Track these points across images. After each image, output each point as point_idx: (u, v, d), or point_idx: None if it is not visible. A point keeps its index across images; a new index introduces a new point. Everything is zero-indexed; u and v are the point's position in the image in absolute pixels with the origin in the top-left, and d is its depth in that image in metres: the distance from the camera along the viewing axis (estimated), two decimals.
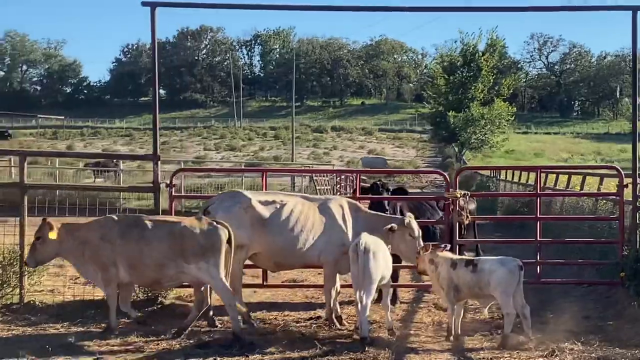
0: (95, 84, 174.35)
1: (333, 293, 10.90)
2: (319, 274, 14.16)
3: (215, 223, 10.07)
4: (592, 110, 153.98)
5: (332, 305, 10.92)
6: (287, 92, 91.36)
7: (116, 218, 10.15)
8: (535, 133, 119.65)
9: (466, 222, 12.18)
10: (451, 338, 10.16)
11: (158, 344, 9.57)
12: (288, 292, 13.31)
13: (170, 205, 12.04)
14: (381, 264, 10.16)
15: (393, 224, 10.77)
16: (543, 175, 24.43)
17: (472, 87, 68.01)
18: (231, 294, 10.02)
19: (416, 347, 9.80)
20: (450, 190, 12.29)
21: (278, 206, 10.79)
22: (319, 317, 11.37)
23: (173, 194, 12.17)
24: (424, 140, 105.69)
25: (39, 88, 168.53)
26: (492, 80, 69.40)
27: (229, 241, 10.02)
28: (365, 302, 9.76)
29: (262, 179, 12.71)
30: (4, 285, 11.33)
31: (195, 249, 9.84)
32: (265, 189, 12.65)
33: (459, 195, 12.10)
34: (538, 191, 13.35)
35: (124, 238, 9.84)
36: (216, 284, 9.92)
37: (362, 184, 13.43)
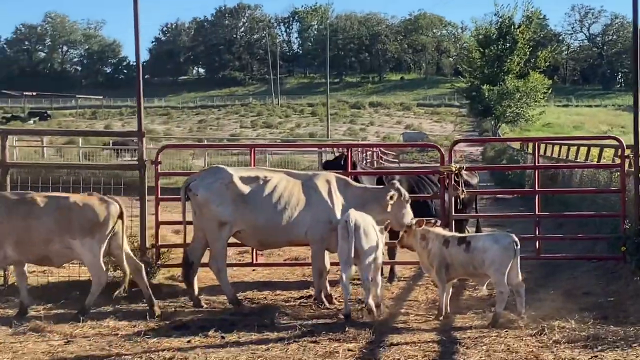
0: (135, 64, 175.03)
1: (322, 270, 10.65)
2: None
3: (105, 198, 9.87)
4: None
5: (321, 284, 10.65)
6: (325, 68, 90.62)
7: (4, 195, 9.94)
8: (576, 106, 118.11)
9: (462, 196, 11.77)
10: (441, 317, 9.83)
11: (134, 326, 9.34)
12: (286, 271, 13.05)
13: (156, 182, 11.84)
14: (372, 239, 9.93)
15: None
16: (565, 148, 24.07)
17: (508, 60, 67.12)
18: (105, 275, 9.90)
19: (402, 327, 9.47)
20: (446, 163, 11.91)
21: (261, 182, 10.47)
22: (310, 297, 11.09)
23: (159, 171, 11.92)
24: (463, 115, 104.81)
25: (79, 69, 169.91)
26: (528, 53, 68.37)
27: (120, 217, 9.85)
28: (366, 278, 9.72)
29: (250, 156, 12.38)
30: None
31: (82, 225, 9.63)
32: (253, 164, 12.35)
33: (453, 169, 11.70)
34: (536, 163, 12.89)
35: (11, 215, 9.60)
36: (93, 261, 9.75)
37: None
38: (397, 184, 10.87)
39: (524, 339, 8.74)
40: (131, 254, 10.30)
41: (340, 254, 9.87)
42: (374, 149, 37.39)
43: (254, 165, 12.28)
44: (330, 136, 68.70)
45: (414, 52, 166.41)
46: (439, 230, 10.13)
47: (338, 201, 10.61)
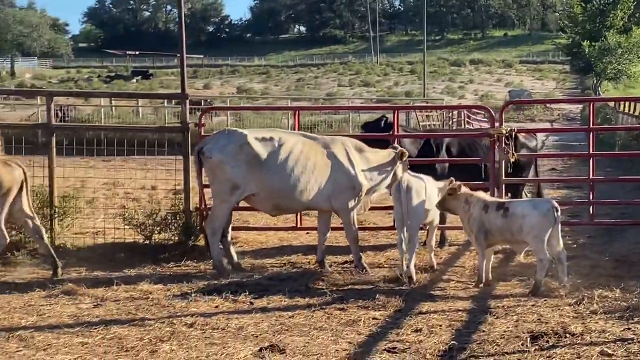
0: (236, 22, 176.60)
1: (355, 236, 10.59)
2: (382, 216, 13.79)
3: (8, 162, 9.86)
4: None
5: (358, 250, 10.57)
6: (429, 25, 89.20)
7: None
8: None
9: (512, 159, 11.38)
10: (481, 285, 9.58)
11: (167, 290, 9.37)
12: (338, 235, 12.89)
13: None
14: (425, 202, 9.89)
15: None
16: None
17: (611, 15, 64.99)
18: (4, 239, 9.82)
19: (437, 294, 9.27)
20: (496, 126, 11.53)
21: (276, 145, 10.26)
22: (352, 262, 10.97)
23: (202, 133, 11.87)
24: (566, 72, 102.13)
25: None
26: (632, 7, 66.04)
27: (24, 181, 9.84)
28: (412, 241, 9.69)
29: (295, 118, 12.20)
30: None
31: None
32: (298, 130, 12.17)
33: (504, 132, 11.33)
34: (590, 125, 12.34)
35: None
36: None
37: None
38: (397, 146, 10.91)
39: (560, 308, 8.46)
40: (33, 215, 10.22)
41: (395, 216, 10.02)
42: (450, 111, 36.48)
43: (298, 129, 12.14)
44: (427, 94, 67.76)
45: (518, 7, 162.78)
46: (481, 194, 9.88)
47: (357, 166, 10.45)
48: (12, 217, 10.11)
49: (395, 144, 11.04)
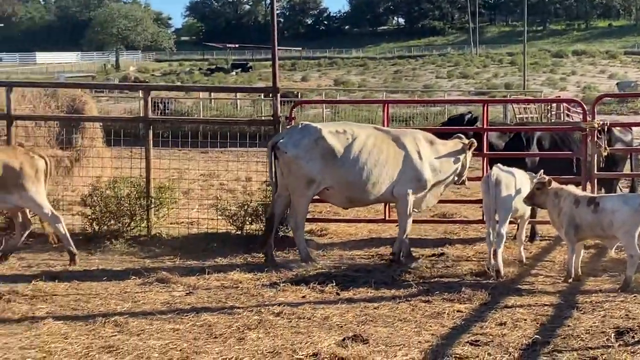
0: (335, 15, 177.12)
1: (408, 228, 10.62)
2: (474, 209, 13.77)
3: (31, 153, 10.35)
4: None
5: (404, 243, 10.64)
6: (528, 16, 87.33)
7: None
8: None
9: (604, 154, 11.23)
10: (570, 280, 9.52)
11: (257, 279, 9.59)
12: (428, 227, 12.95)
13: None
14: (514, 196, 9.93)
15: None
16: None
17: None
18: (57, 219, 10.39)
19: (525, 288, 9.26)
20: (588, 119, 11.40)
21: (350, 138, 10.35)
22: (442, 254, 11.02)
23: None
24: None
25: (281, 20, 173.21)
26: None
27: (47, 170, 10.35)
28: (500, 234, 9.73)
29: (384, 111, 12.24)
30: (133, 218, 11.77)
31: (15, 179, 10.04)
32: (387, 123, 12.23)
33: (596, 126, 11.19)
34: None
35: None
36: (41, 210, 10.37)
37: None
38: (462, 135, 10.95)
39: None
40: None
41: (484, 209, 10.15)
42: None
43: (387, 122, 12.21)
44: (527, 86, 66.73)
45: None
46: (572, 189, 9.80)
47: (426, 159, 10.50)
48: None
49: (461, 134, 11.06)
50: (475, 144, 10.88)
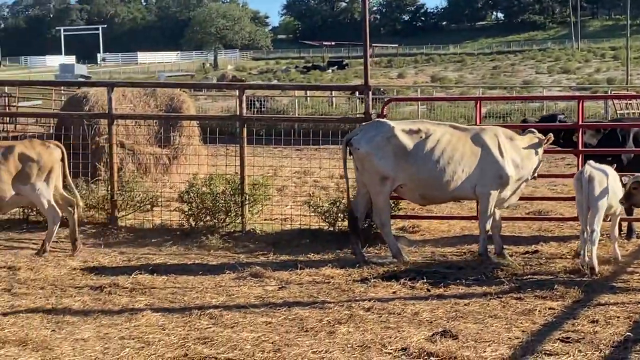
0: (432, 11, 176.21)
1: (487, 226, 10.52)
2: (570, 206, 13.61)
3: (47, 143, 10.67)
4: None
5: (486, 240, 10.55)
6: (632, 8, 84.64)
7: None
8: None
9: None
10: None
11: (349, 275, 9.71)
12: (522, 224, 12.86)
13: None
14: (608, 193, 9.79)
15: None
16: None
17: None
18: (57, 213, 10.69)
19: (619, 286, 9.16)
20: None
21: (423, 136, 10.33)
22: (535, 252, 10.95)
23: None
24: None
25: (378, 17, 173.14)
26: None
27: (62, 160, 10.67)
28: (594, 231, 9.59)
29: (476, 108, 12.17)
30: (228, 214, 12.03)
31: (30, 171, 10.33)
32: (479, 121, 12.18)
33: None
34: None
35: None
36: (44, 202, 10.65)
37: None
38: (535, 130, 10.85)
39: None
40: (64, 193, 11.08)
41: (577, 207, 10.06)
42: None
43: (480, 119, 12.17)
44: (630, 81, 65.20)
45: None
46: None
47: (507, 155, 10.40)
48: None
49: (533, 129, 10.96)
50: (552, 138, 10.75)
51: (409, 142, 10.32)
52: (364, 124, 11.05)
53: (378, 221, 10.61)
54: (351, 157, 10.60)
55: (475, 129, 10.80)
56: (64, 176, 11.02)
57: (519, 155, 10.46)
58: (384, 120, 11.02)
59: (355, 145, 10.39)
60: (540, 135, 10.72)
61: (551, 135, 10.75)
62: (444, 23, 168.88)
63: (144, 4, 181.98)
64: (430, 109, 38.22)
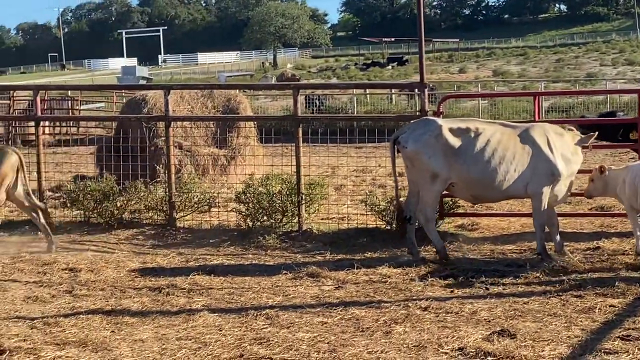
0: (493, 4, 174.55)
1: (542, 224, 10.36)
2: None
3: (4, 149, 11.14)
4: None
5: (543, 238, 10.36)
6: None
7: None
8: None
9: None
10: None
11: (406, 274, 9.65)
12: (584, 220, 12.65)
13: None
14: None
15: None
16: None
17: None
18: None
19: None
20: None
21: (472, 135, 10.16)
22: (597, 248, 10.77)
23: None
24: None
25: (438, 12, 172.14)
26: None
27: (20, 166, 11.02)
28: None
29: (535, 104, 11.98)
30: (285, 214, 12.05)
31: None
32: (539, 116, 11.99)
33: None
34: None
35: None
36: None
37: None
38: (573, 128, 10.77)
39: None
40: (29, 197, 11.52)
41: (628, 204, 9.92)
42: None
43: (539, 114, 11.99)
44: None
45: None
46: None
47: (557, 152, 10.22)
48: (9, 199, 11.39)
49: (572, 126, 10.84)
50: (593, 135, 10.55)
51: (457, 141, 10.18)
52: (411, 121, 10.93)
53: (422, 217, 10.45)
54: (399, 155, 10.52)
55: (523, 126, 10.63)
56: (23, 183, 11.39)
57: (568, 150, 10.31)
58: (432, 118, 10.90)
59: (403, 143, 10.30)
60: (578, 132, 10.60)
61: (597, 132, 10.61)
62: (505, 16, 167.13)
63: (204, 5, 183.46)
64: (492, 103, 37.88)
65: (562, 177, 10.26)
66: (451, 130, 10.27)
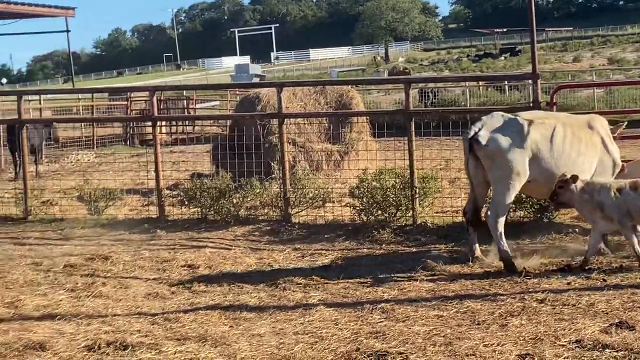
0: None
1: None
2: None
3: None
4: None
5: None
6: None
7: None
8: None
9: None
10: None
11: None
12: None
13: None
14: None
15: None
16: None
17: None
18: None
19: None
20: None
21: (550, 128, 9.78)
22: None
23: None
24: None
25: (551, 1, 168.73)
26: None
27: None
28: None
29: None
30: (399, 208, 12.10)
31: None
32: None
33: None
34: None
35: None
36: None
37: None
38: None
39: None
40: None
41: None
42: None
43: None
44: None
45: None
46: None
47: (613, 142, 10.10)
48: None
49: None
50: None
51: (538, 135, 9.75)
52: (483, 117, 10.16)
53: (493, 219, 9.73)
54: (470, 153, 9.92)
55: (584, 117, 10.41)
56: None
57: (615, 142, 10.21)
58: (506, 114, 10.15)
59: (482, 141, 9.71)
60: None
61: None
62: (620, 3, 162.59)
63: (315, 1, 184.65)
64: (608, 92, 36.98)
65: (618, 167, 10.13)
66: (532, 124, 9.80)
